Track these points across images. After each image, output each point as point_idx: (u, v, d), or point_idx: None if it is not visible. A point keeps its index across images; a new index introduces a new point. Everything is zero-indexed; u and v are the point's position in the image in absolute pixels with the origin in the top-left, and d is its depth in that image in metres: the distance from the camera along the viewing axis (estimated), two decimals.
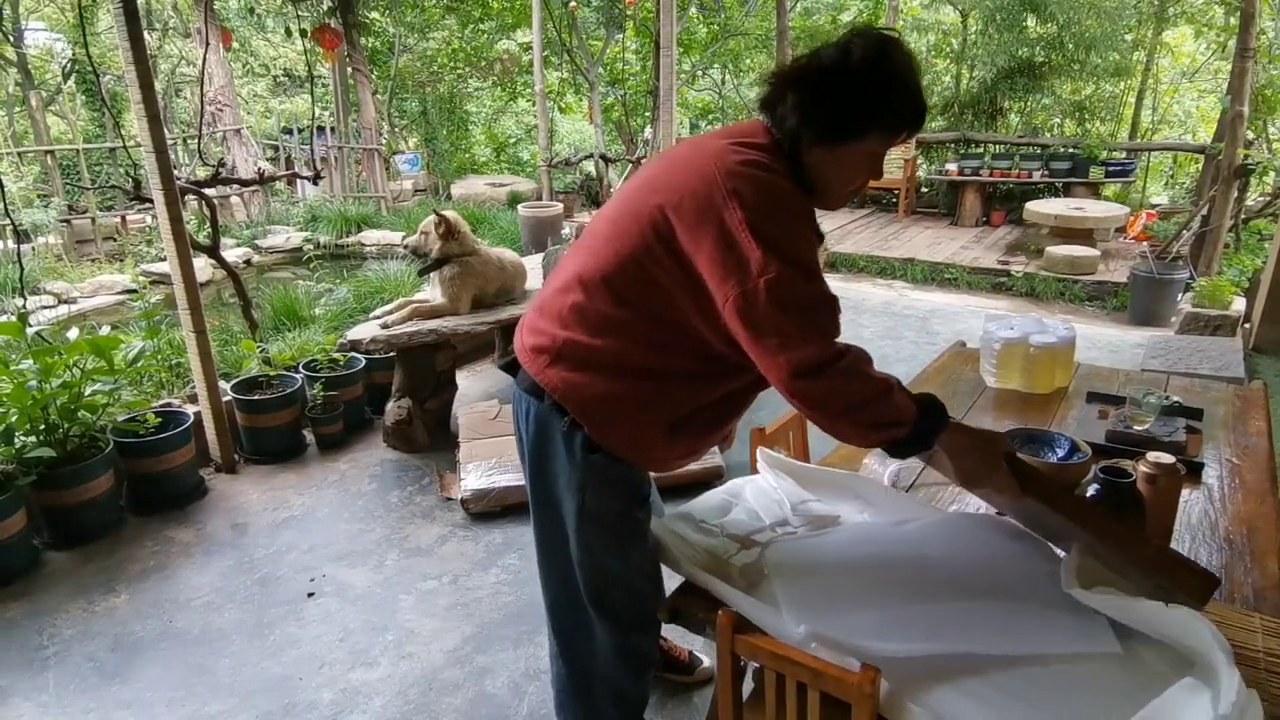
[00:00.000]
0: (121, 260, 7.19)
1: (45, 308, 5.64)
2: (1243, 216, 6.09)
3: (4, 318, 4.74)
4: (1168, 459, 1.47)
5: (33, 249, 6.76)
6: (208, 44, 7.87)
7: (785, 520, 1.60)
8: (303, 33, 8.42)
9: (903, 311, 5.84)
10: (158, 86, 5.47)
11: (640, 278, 1.35)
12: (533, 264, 4.24)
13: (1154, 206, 8.24)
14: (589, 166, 9.50)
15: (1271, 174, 6.40)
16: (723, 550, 1.50)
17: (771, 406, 2.25)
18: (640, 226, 1.34)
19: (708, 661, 2.19)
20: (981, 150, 8.62)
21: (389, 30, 11.38)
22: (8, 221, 4.86)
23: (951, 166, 8.36)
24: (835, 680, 1.12)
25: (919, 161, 9.31)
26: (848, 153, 1.34)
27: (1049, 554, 1.43)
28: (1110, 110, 9.23)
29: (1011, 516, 1.51)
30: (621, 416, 1.41)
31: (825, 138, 1.32)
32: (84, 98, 10.88)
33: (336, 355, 3.80)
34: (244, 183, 6.58)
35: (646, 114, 10.38)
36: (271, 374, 3.66)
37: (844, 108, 1.30)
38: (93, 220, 7.59)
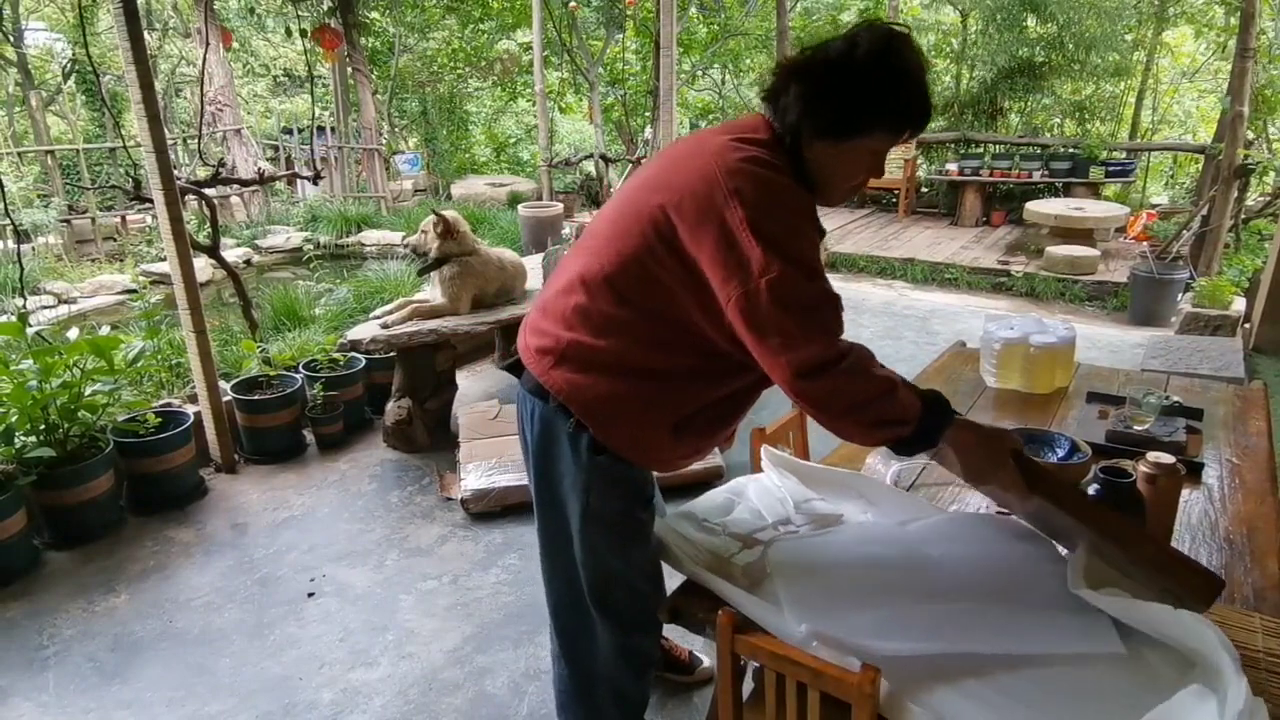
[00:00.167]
0: (121, 260, 7.19)
1: (45, 308, 5.64)
2: (1243, 216, 6.09)
3: (4, 318, 4.74)
4: (1168, 459, 1.47)
5: (33, 249, 6.76)
6: (208, 44, 7.88)
7: (788, 519, 1.60)
8: (303, 33, 8.42)
9: (903, 311, 5.84)
10: (158, 86, 5.47)
11: (642, 277, 1.35)
12: (533, 264, 4.24)
13: (1154, 206, 8.24)
14: (589, 166, 9.50)
15: (1271, 174, 6.40)
16: (725, 549, 1.50)
17: (773, 406, 2.26)
18: (641, 226, 1.34)
19: (708, 661, 2.19)
20: (981, 150, 8.62)
21: (389, 30, 11.39)
22: (8, 221, 4.86)
23: (951, 166, 8.37)
24: (835, 680, 1.11)
25: (919, 161, 9.31)
26: (849, 149, 1.32)
27: (1053, 554, 1.43)
28: (1110, 110, 9.24)
29: (1017, 514, 1.51)
30: (626, 416, 1.40)
31: (826, 132, 1.31)
32: (84, 98, 10.88)
33: (336, 355, 3.80)
34: (244, 183, 6.58)
35: (646, 114, 10.38)
36: (271, 374, 3.66)
37: (847, 102, 1.28)
38: (93, 220, 7.59)
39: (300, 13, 9.07)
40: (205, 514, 3.13)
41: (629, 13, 10.19)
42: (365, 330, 3.46)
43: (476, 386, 4.40)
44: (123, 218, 7.95)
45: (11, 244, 6.04)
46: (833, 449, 1.91)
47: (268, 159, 10.14)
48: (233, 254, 6.80)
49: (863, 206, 9.33)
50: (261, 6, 10.40)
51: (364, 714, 2.14)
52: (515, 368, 1.55)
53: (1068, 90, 9.13)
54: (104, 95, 9.46)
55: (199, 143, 6.02)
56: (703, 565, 1.46)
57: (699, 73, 12.01)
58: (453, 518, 3.09)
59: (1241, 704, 1.01)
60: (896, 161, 8.59)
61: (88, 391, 2.99)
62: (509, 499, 3.06)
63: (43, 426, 2.86)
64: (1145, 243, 6.63)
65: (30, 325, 3.21)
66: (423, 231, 3.59)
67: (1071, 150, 8.08)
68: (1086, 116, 9.03)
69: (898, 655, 1.18)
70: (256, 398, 3.50)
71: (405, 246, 3.84)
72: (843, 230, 8.12)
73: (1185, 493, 1.66)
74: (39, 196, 7.86)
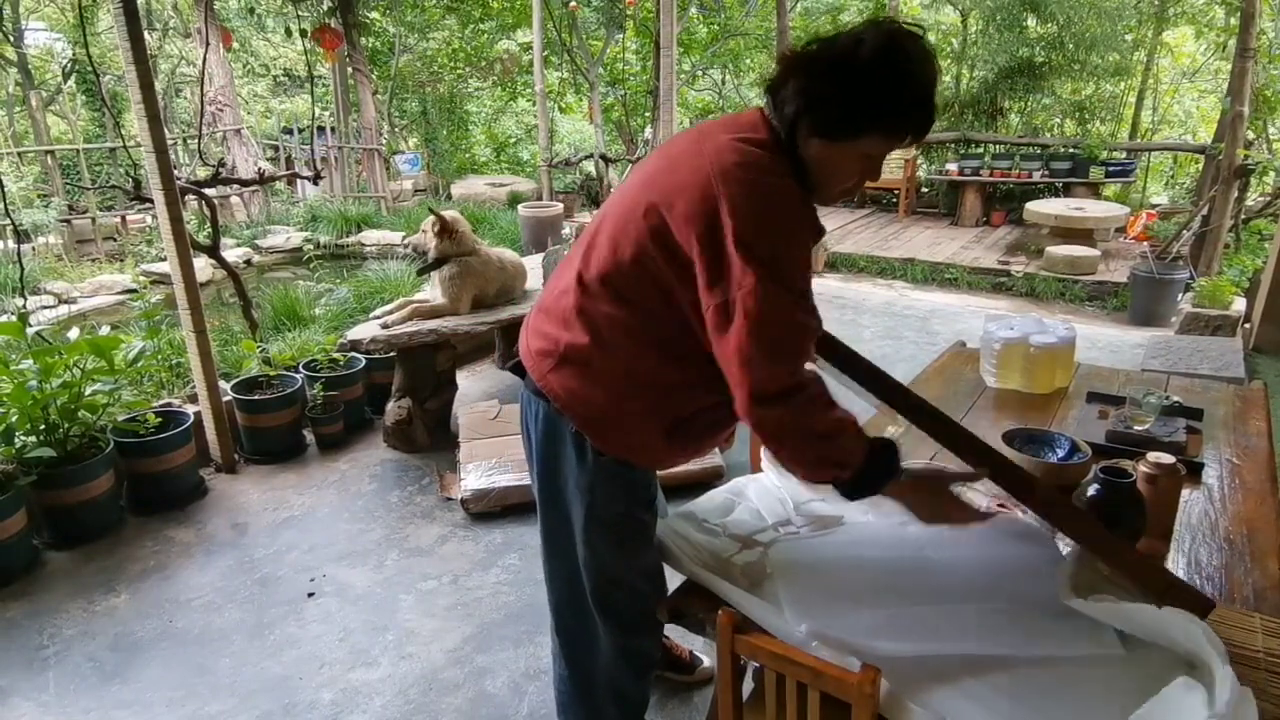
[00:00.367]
0: (121, 260, 7.18)
1: (45, 308, 5.63)
2: (1243, 216, 6.09)
3: (4, 318, 4.74)
4: (1168, 459, 1.47)
5: (33, 249, 6.76)
6: (208, 44, 7.87)
7: (788, 520, 1.60)
8: (303, 33, 8.42)
9: (903, 311, 5.84)
10: (158, 86, 5.47)
11: (639, 277, 1.34)
12: (533, 264, 4.24)
13: (1154, 206, 8.24)
14: (589, 166, 9.50)
15: (1271, 174, 6.39)
16: (725, 550, 1.50)
17: None
18: (637, 226, 1.33)
19: (708, 661, 2.19)
20: (982, 150, 8.62)
21: (389, 30, 11.38)
22: (8, 221, 4.86)
23: (952, 166, 8.36)
24: (835, 680, 1.11)
25: (919, 161, 9.31)
26: (845, 150, 1.28)
27: (1052, 555, 1.43)
28: (1110, 110, 9.23)
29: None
30: (623, 425, 1.41)
31: (823, 131, 1.26)
32: (84, 98, 10.88)
33: (336, 355, 3.80)
34: (244, 183, 6.58)
35: (646, 114, 10.38)
36: (271, 374, 3.66)
37: (844, 102, 1.23)
38: (93, 220, 7.58)
39: (300, 13, 9.07)
40: (205, 514, 3.13)
41: (629, 13, 10.19)
42: (365, 330, 3.46)
43: (476, 386, 4.40)
44: (123, 218, 7.95)
45: (11, 244, 6.04)
46: None
47: (268, 159, 10.13)
48: (233, 254, 6.80)
49: (863, 206, 9.33)
50: (261, 6, 10.40)
51: (364, 714, 2.14)
52: (520, 368, 1.54)
53: (1068, 90, 9.13)
54: (104, 95, 9.46)
55: (199, 143, 6.01)
56: (703, 565, 1.46)
57: (699, 73, 12.01)
58: (453, 518, 3.09)
59: (1229, 694, 1.01)
60: (896, 161, 8.58)
61: (88, 391, 2.99)
62: (509, 499, 3.06)
63: (43, 426, 2.86)
64: (1145, 243, 6.63)
65: (30, 325, 3.21)
66: (424, 230, 3.59)
67: (1071, 150, 8.08)
68: (1087, 116, 9.03)
69: (898, 655, 1.19)
70: (256, 398, 3.50)
71: (406, 246, 3.84)
72: (843, 230, 8.12)
73: (1185, 493, 1.66)
74: (39, 196, 7.86)
